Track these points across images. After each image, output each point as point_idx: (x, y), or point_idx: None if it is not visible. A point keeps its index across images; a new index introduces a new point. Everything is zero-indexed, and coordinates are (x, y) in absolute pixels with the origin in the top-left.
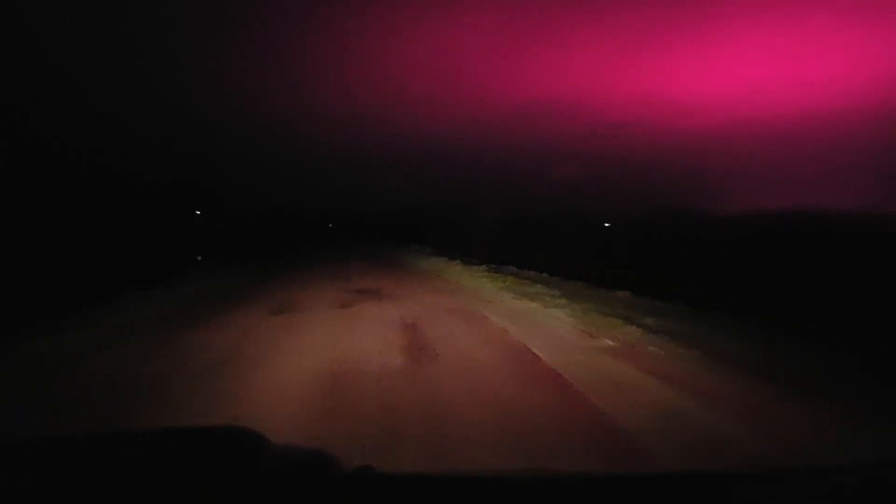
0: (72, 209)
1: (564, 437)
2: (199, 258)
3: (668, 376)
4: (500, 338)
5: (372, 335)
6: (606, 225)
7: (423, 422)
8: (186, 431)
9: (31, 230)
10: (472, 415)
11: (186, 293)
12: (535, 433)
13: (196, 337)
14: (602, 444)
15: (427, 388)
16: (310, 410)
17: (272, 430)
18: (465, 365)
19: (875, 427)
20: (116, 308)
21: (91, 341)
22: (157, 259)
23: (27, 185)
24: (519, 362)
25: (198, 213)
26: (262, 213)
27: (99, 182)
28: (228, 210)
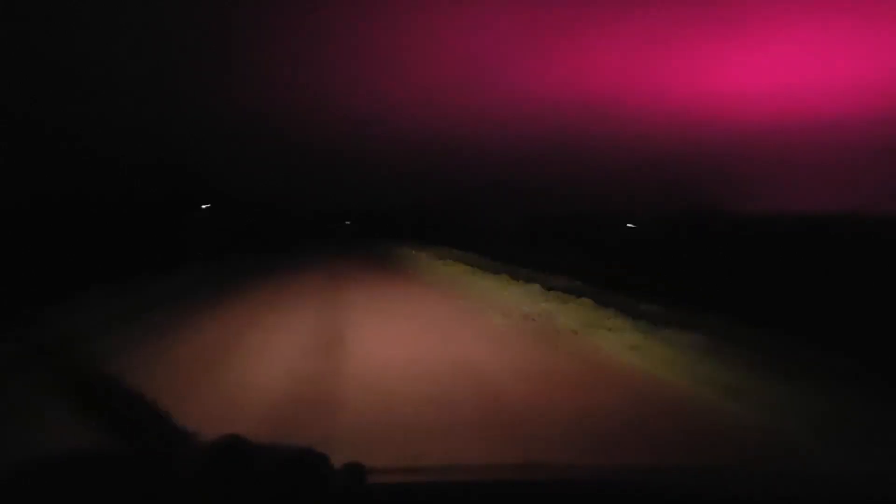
0: (82, 202)
1: None
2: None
3: None
4: None
5: None
6: (630, 226)
7: None
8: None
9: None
10: None
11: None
12: None
13: None
14: None
15: None
16: None
17: None
18: None
19: None
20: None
21: None
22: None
23: (24, 177)
24: None
25: (203, 206)
26: (271, 209)
27: (104, 176)
28: (241, 205)
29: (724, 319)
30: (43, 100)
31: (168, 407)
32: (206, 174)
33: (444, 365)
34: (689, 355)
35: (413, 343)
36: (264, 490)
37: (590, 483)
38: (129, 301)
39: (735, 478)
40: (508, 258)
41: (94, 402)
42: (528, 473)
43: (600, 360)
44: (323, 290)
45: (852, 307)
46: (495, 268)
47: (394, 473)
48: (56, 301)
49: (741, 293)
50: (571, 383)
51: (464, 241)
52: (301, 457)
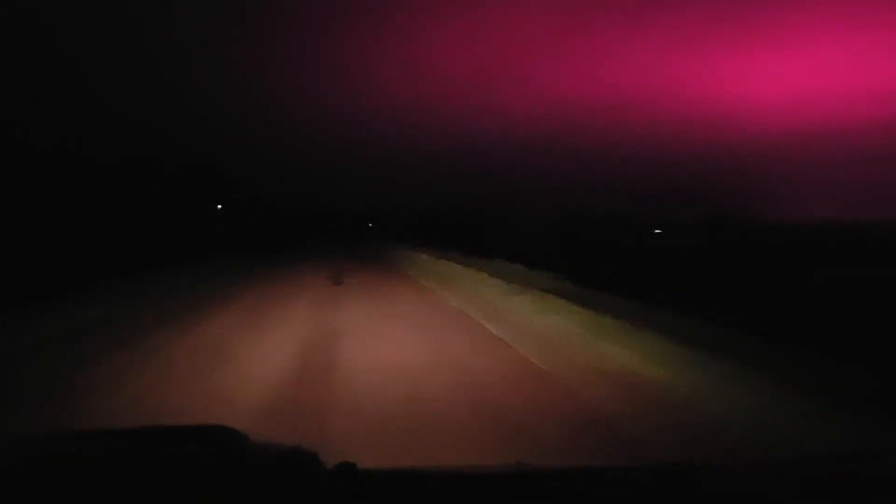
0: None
1: None
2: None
3: None
4: None
5: None
6: (657, 231)
7: None
8: (175, 430)
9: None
10: None
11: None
12: None
13: None
14: None
15: None
16: None
17: None
18: None
19: None
20: None
21: None
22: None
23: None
24: None
25: (219, 206)
26: (293, 211)
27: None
28: (263, 206)
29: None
30: (65, 98)
31: None
32: (236, 175)
33: None
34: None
35: None
36: (257, 485)
37: (580, 484)
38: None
39: (730, 475)
40: (577, 276)
41: None
42: (518, 474)
43: None
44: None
45: None
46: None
47: (384, 474)
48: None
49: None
50: None
51: (501, 246)
52: (293, 454)
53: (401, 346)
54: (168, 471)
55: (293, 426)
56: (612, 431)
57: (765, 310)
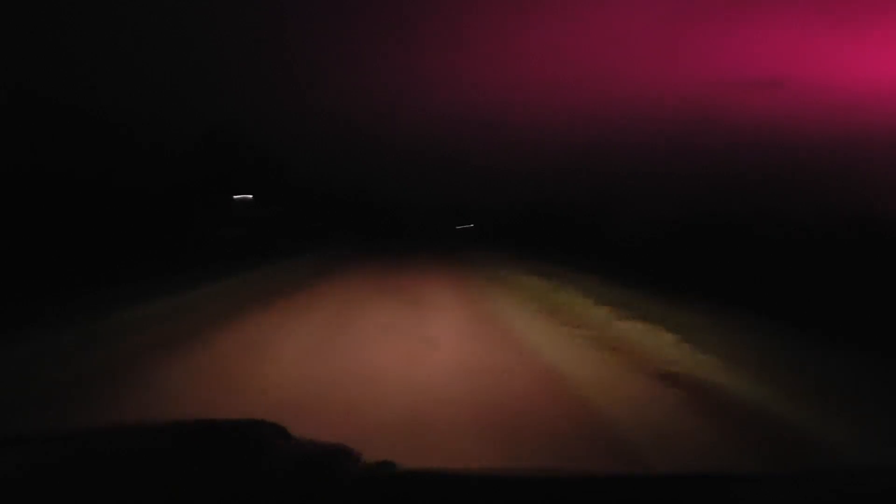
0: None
1: None
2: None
3: None
4: None
5: None
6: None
7: None
8: (214, 425)
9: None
10: None
11: None
12: None
13: None
14: None
15: None
16: None
17: None
18: None
19: None
20: None
21: None
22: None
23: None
24: None
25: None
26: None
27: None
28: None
29: None
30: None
31: None
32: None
33: None
34: None
35: None
36: (293, 483)
37: (600, 491)
38: None
39: (740, 485)
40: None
41: None
42: (547, 480)
43: None
44: None
45: None
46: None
47: (423, 475)
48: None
49: None
50: None
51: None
52: (332, 452)
53: None
54: (198, 470)
55: None
56: None
57: None
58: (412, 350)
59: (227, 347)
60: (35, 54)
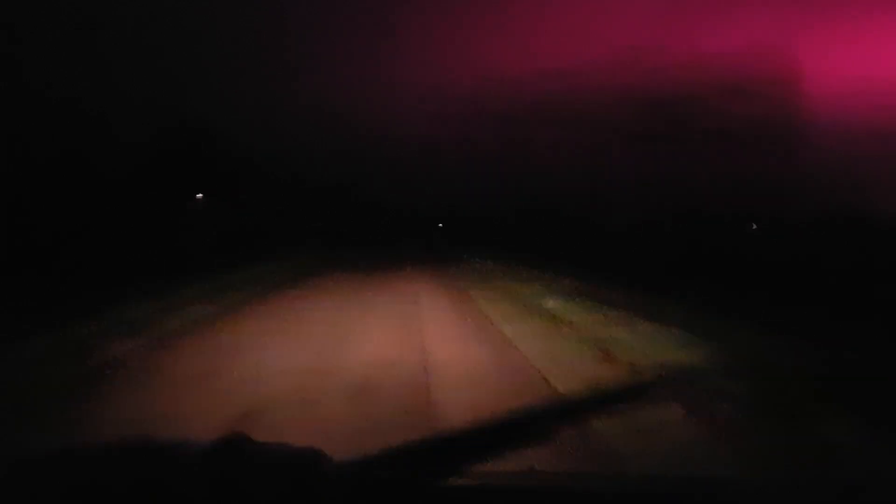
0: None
1: None
2: None
3: None
4: None
5: None
6: (753, 226)
7: None
8: (180, 442)
9: None
10: None
11: None
12: None
13: None
14: None
15: None
16: None
17: None
18: None
19: None
20: None
21: None
22: None
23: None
24: None
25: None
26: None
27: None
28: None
29: None
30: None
31: None
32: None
33: None
34: None
35: None
36: (266, 487)
37: (590, 492)
38: None
39: (732, 489)
40: None
41: None
42: (532, 481)
43: None
44: None
45: None
46: None
47: (396, 477)
48: None
49: None
50: None
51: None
52: (301, 456)
53: None
54: (162, 478)
55: None
56: None
57: None
58: None
59: None
60: None
